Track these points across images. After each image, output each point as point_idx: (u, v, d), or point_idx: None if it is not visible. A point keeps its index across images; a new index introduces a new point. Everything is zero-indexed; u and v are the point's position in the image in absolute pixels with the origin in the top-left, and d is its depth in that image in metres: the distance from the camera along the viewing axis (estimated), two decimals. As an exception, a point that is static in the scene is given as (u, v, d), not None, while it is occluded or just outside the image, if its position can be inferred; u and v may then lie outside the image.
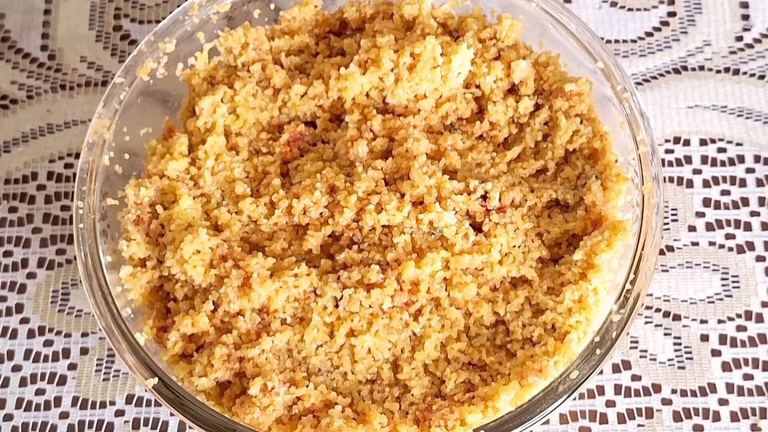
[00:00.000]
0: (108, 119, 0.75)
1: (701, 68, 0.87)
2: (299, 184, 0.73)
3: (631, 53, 0.88)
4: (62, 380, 0.79)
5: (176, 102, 0.78)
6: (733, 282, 0.80)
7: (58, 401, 0.78)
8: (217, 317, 0.70)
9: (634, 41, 0.88)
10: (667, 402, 0.76)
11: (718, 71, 0.87)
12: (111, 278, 0.71)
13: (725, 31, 0.88)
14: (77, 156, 0.85)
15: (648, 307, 0.79)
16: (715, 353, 0.78)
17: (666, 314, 0.79)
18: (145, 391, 0.77)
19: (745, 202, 0.82)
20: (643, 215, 0.71)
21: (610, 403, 0.77)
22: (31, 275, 0.82)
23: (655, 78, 0.87)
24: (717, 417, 0.76)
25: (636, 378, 0.77)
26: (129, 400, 0.78)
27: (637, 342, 0.78)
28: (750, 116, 0.85)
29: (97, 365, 0.79)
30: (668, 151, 0.84)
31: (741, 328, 0.78)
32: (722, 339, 0.78)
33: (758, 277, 0.80)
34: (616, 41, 0.88)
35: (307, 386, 0.68)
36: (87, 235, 0.72)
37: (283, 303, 0.70)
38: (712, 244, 0.81)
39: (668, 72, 0.87)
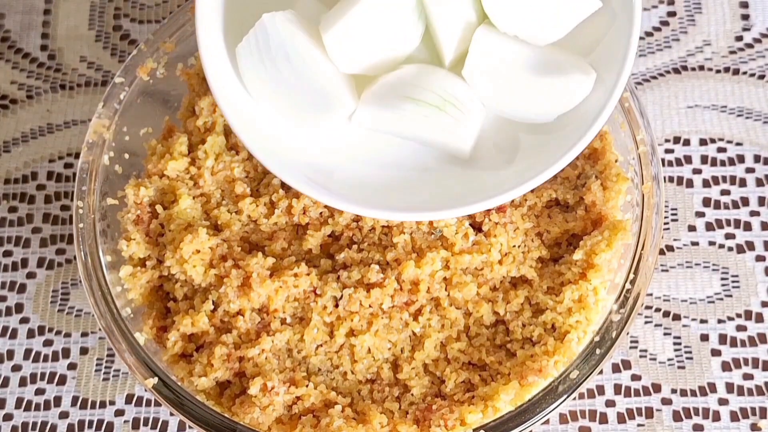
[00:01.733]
0: (108, 119, 0.75)
1: (701, 68, 0.87)
2: (299, 184, 0.73)
3: (631, 53, 0.88)
4: (62, 380, 0.79)
5: (176, 102, 0.78)
6: (733, 282, 0.80)
7: (57, 401, 0.78)
8: (216, 317, 0.70)
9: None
10: (667, 402, 0.76)
11: (718, 71, 0.87)
12: (111, 278, 0.71)
13: (725, 30, 0.88)
14: (77, 156, 0.85)
15: (648, 307, 0.79)
16: (715, 353, 0.78)
17: (666, 314, 0.79)
18: (145, 390, 0.77)
19: (745, 201, 0.82)
20: (643, 215, 0.71)
21: (610, 403, 0.77)
22: (30, 275, 0.82)
23: (654, 78, 0.87)
24: (717, 417, 0.76)
25: (636, 378, 0.77)
26: (129, 399, 0.78)
27: (636, 342, 0.78)
28: (750, 116, 0.85)
29: (96, 365, 0.79)
30: (668, 151, 0.84)
31: (741, 328, 0.78)
32: (722, 339, 0.78)
33: (758, 277, 0.80)
34: (616, 41, 0.88)
35: (307, 386, 0.68)
36: (87, 234, 0.72)
37: (282, 303, 0.70)
38: (712, 243, 0.81)
39: (668, 72, 0.87)
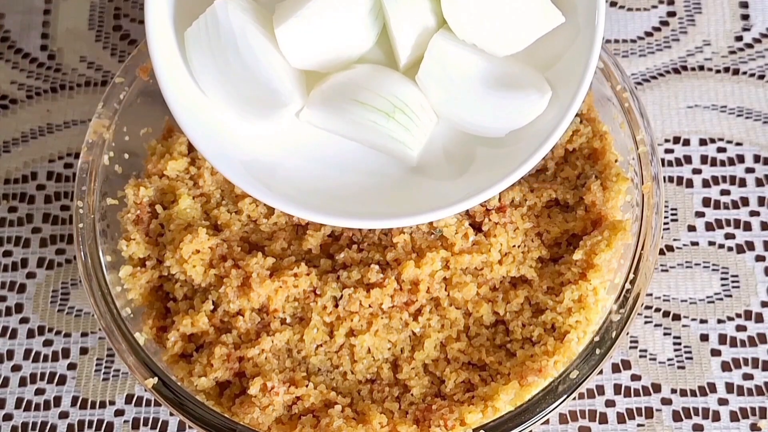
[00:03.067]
0: (107, 119, 0.75)
1: (701, 68, 0.87)
2: (299, 184, 0.73)
3: (631, 53, 0.88)
4: (62, 380, 0.79)
5: (176, 102, 0.78)
6: (733, 282, 0.80)
7: (57, 401, 0.78)
8: (216, 317, 0.70)
9: (633, 41, 0.88)
10: (666, 402, 0.76)
11: (718, 71, 0.87)
12: (111, 278, 0.71)
13: (725, 30, 0.88)
14: (77, 156, 0.85)
15: (648, 307, 0.79)
16: (715, 353, 0.78)
17: (666, 314, 0.79)
18: (145, 390, 0.77)
19: (745, 201, 0.82)
20: (643, 215, 0.71)
21: (610, 403, 0.77)
22: (30, 275, 0.82)
23: (654, 78, 0.87)
24: (717, 417, 0.76)
25: (636, 378, 0.77)
26: (129, 399, 0.78)
27: (636, 342, 0.78)
28: (750, 116, 0.85)
29: (96, 365, 0.79)
30: (668, 151, 0.84)
31: (741, 328, 0.78)
32: (722, 339, 0.78)
33: (758, 277, 0.80)
34: (616, 41, 0.88)
35: (307, 386, 0.68)
36: (87, 234, 0.72)
37: (282, 303, 0.70)
38: (711, 243, 0.81)
39: (668, 72, 0.87)
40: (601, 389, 0.77)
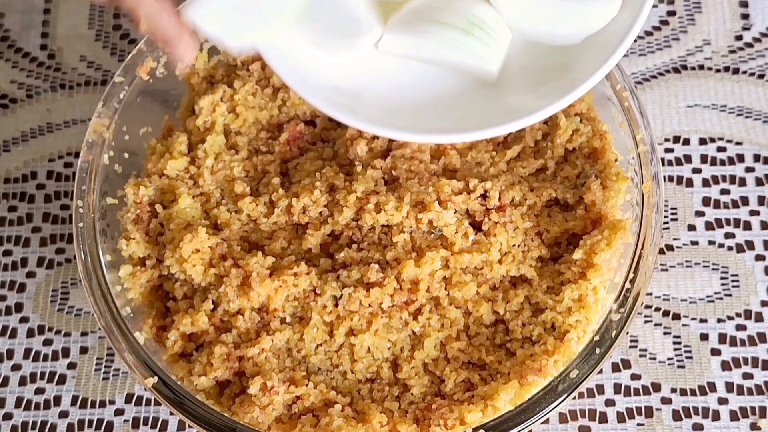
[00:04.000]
0: (107, 118, 0.75)
1: (701, 67, 0.87)
2: (299, 183, 0.73)
3: (631, 52, 0.88)
4: (62, 379, 0.79)
5: (176, 101, 0.78)
6: (733, 281, 0.80)
7: (57, 400, 0.78)
8: (216, 316, 0.70)
9: (633, 40, 0.88)
10: (666, 401, 0.76)
11: (718, 70, 0.87)
12: (110, 277, 0.71)
13: (725, 30, 0.88)
14: (77, 155, 0.84)
15: (647, 306, 0.79)
16: (715, 352, 0.78)
17: (665, 313, 0.79)
18: (145, 390, 0.77)
19: (745, 201, 0.82)
20: (643, 214, 0.71)
21: (610, 402, 0.77)
22: (30, 274, 0.82)
23: (654, 77, 0.87)
24: (717, 416, 0.76)
25: (635, 377, 0.77)
26: (128, 399, 0.78)
27: (636, 341, 0.78)
28: (750, 115, 0.85)
29: (96, 364, 0.79)
30: (668, 150, 0.84)
31: (741, 327, 0.78)
32: (722, 338, 0.78)
33: (758, 276, 0.80)
34: (616, 40, 0.88)
35: (307, 385, 0.68)
36: (86, 234, 0.72)
37: (282, 302, 0.70)
38: (711, 243, 0.81)
39: (668, 71, 0.87)
40: (600, 388, 0.77)
